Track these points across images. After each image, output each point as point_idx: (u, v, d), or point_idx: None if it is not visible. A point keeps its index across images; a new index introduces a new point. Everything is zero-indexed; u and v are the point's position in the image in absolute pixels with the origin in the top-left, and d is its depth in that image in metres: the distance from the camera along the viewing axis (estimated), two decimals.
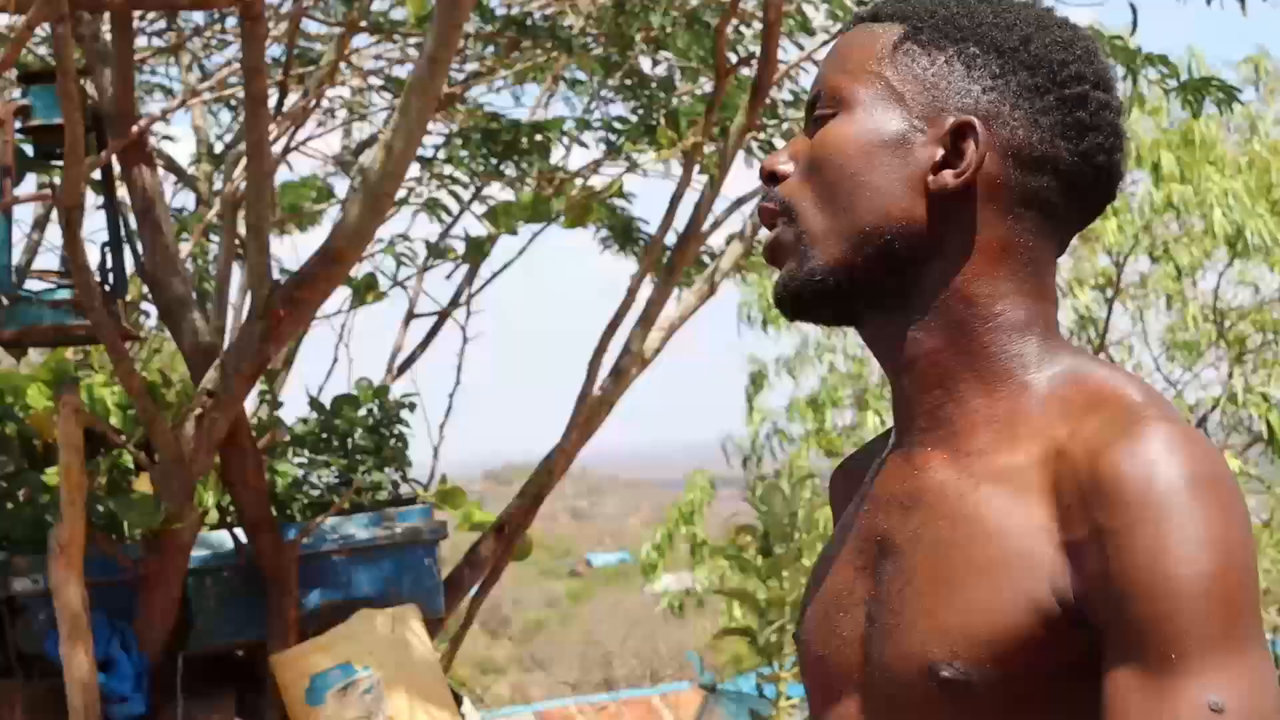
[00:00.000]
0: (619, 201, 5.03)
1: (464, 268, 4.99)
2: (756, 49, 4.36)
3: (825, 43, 4.82)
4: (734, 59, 4.54)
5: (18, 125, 3.95)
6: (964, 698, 1.53)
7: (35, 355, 4.59)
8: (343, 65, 4.44)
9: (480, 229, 4.92)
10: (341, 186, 5.32)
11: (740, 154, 4.58)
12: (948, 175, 1.60)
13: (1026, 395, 1.63)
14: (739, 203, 4.92)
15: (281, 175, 4.42)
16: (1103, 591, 1.51)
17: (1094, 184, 1.64)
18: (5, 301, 3.93)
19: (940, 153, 1.60)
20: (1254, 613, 1.51)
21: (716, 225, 4.72)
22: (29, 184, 4.32)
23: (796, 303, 1.68)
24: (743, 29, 4.57)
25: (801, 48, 4.76)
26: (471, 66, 4.84)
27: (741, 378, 14.06)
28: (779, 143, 5.09)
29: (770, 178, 1.69)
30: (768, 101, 4.44)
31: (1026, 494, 1.58)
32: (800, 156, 1.69)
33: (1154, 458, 1.51)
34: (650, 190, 5.05)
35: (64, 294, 3.96)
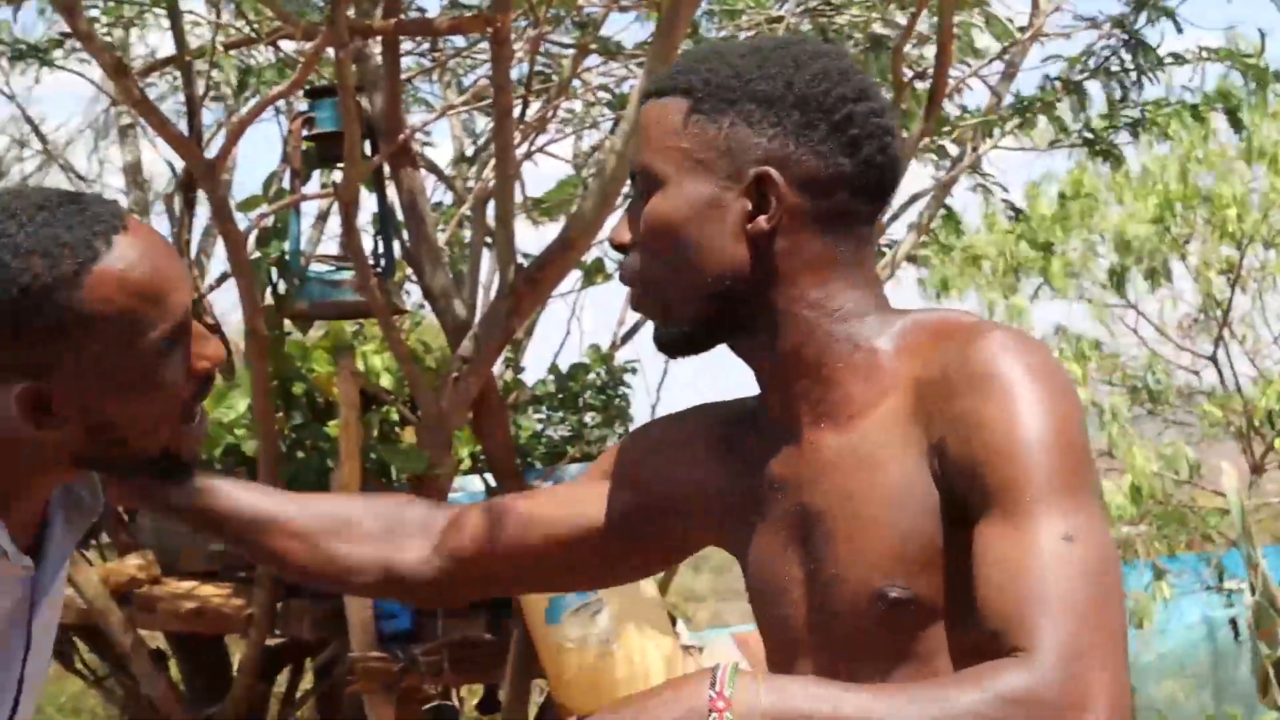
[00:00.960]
0: None
1: None
2: (928, 67, 4.35)
3: (990, 60, 4.81)
4: (908, 74, 4.52)
5: (304, 134, 4.06)
6: (913, 615, 1.58)
7: (318, 327, 4.69)
8: (575, 82, 4.48)
9: None
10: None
11: (914, 156, 4.57)
12: (761, 221, 1.63)
13: (878, 355, 1.67)
14: (914, 198, 4.90)
15: (527, 174, 4.47)
16: (965, 466, 1.57)
17: (880, 180, 1.66)
18: (296, 281, 4.04)
19: (748, 204, 1.63)
20: (1090, 468, 1.57)
21: (895, 218, 4.71)
22: (313, 183, 4.41)
23: (673, 349, 1.74)
24: (917, 49, 4.54)
25: (969, 65, 4.74)
26: None
27: None
28: (951, 147, 5.08)
29: (618, 247, 1.71)
30: (940, 112, 4.41)
31: (904, 427, 1.64)
32: (634, 225, 1.72)
33: (995, 351, 1.58)
34: None
35: (343, 275, 4.04)
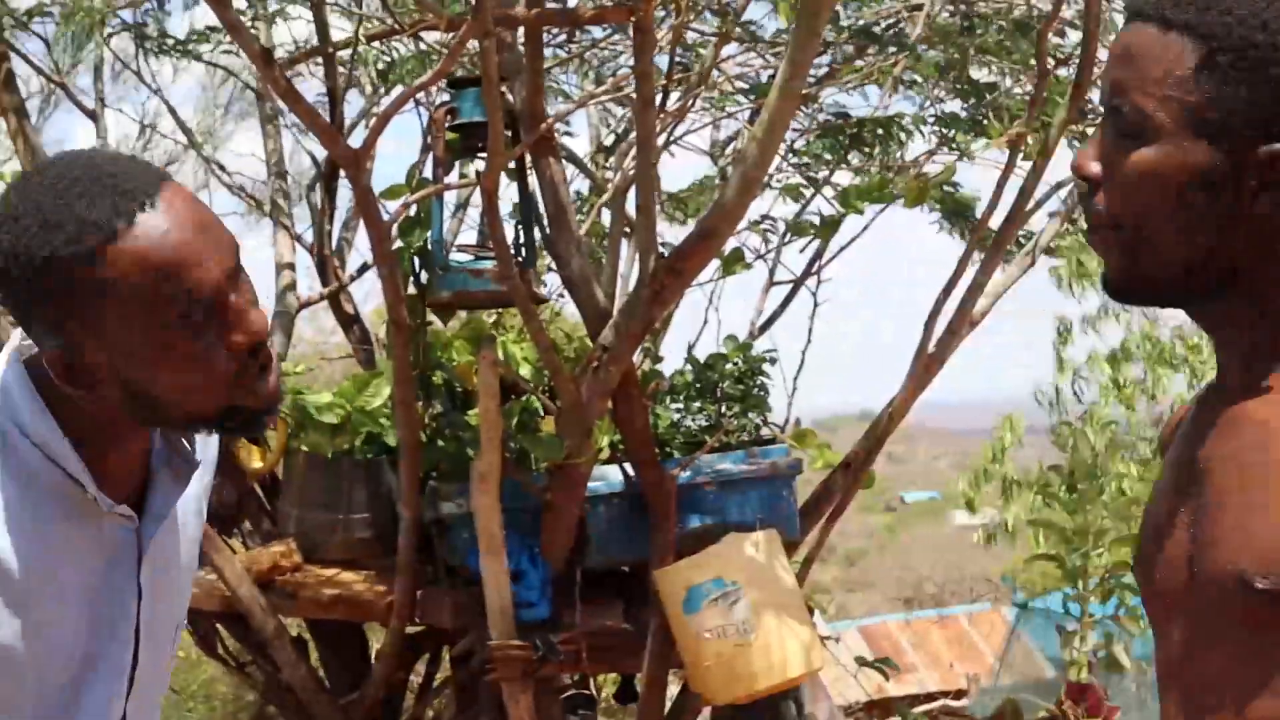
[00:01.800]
0: (950, 186, 5.02)
1: (816, 242, 5.00)
2: (1074, 53, 4.30)
3: None
4: (1052, 62, 4.47)
5: (447, 124, 4.09)
6: (1273, 610, 1.44)
7: (457, 317, 4.71)
8: (714, 71, 4.47)
9: (831, 209, 4.92)
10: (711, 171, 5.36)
11: (1062, 144, 4.52)
12: (1265, 203, 1.52)
13: None
14: (1058, 187, 4.86)
15: (663, 165, 4.47)
16: None
17: None
18: (439, 271, 4.07)
19: (1254, 183, 1.52)
20: None
21: (1038, 206, 4.66)
22: (452, 174, 4.43)
23: (1125, 296, 1.66)
24: (1063, 36, 4.49)
25: None
26: (823, 70, 4.84)
27: (1041, 341, 13.72)
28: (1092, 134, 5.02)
29: (1085, 178, 1.62)
30: (1085, 100, 4.36)
31: None
32: (1110, 163, 1.60)
33: None
34: (976, 176, 5.00)
35: (485, 264, 4.07)
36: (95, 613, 2.09)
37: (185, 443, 2.17)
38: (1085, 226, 1.70)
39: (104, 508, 2.05)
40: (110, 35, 4.73)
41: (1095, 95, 4.77)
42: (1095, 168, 1.61)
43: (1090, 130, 4.93)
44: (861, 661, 4.97)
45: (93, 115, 5.12)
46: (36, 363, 2.04)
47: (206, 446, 2.31)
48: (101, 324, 1.92)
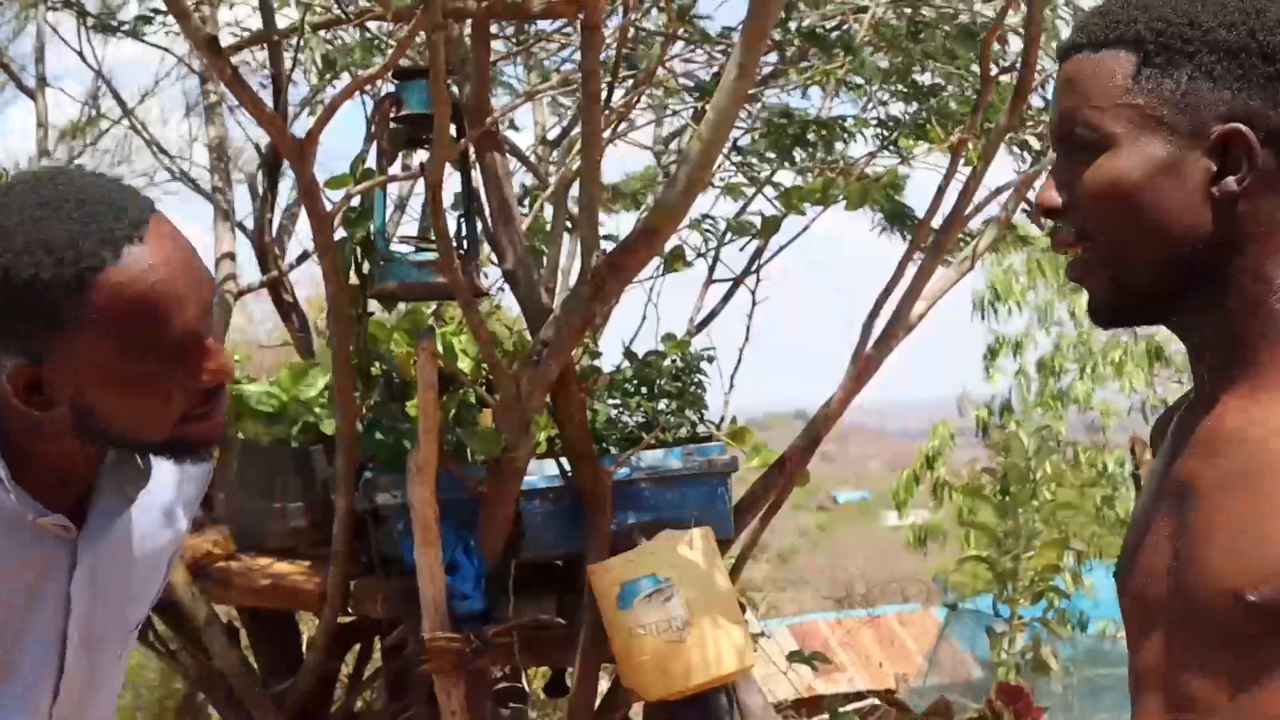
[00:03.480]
0: (891, 189, 5.04)
1: (755, 242, 5.02)
2: (1015, 61, 4.34)
3: None
4: (995, 69, 4.50)
5: (392, 115, 4.09)
6: (1268, 622, 1.47)
7: (399, 308, 4.71)
8: (660, 69, 4.49)
9: (772, 209, 4.94)
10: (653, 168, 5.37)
11: (1002, 149, 4.55)
12: (1230, 182, 1.55)
13: None
14: (997, 191, 4.89)
15: (605, 159, 4.48)
16: None
17: None
18: (381, 262, 4.07)
19: (1212, 165, 1.56)
20: None
21: (977, 210, 4.69)
22: (395, 165, 4.43)
23: (1112, 319, 1.69)
24: (1005, 44, 4.53)
25: (1055, 60, 4.72)
26: (768, 69, 4.86)
27: (971, 344, 13.86)
28: (1032, 141, 5.07)
29: (1049, 212, 1.66)
30: (1025, 106, 4.39)
31: None
32: (1069, 187, 1.65)
33: None
34: (917, 180, 5.03)
35: (426, 256, 4.07)
36: (18, 620, 2.08)
37: (138, 457, 2.15)
38: (1065, 268, 1.73)
39: (31, 518, 2.03)
40: (52, 8, 4.70)
41: (1035, 100, 4.83)
42: (1057, 197, 1.66)
43: (1029, 138, 4.99)
44: (792, 657, 4.99)
45: (31, 94, 5.09)
46: None
47: (185, 474, 2.31)
48: (74, 351, 1.91)
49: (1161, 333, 13.29)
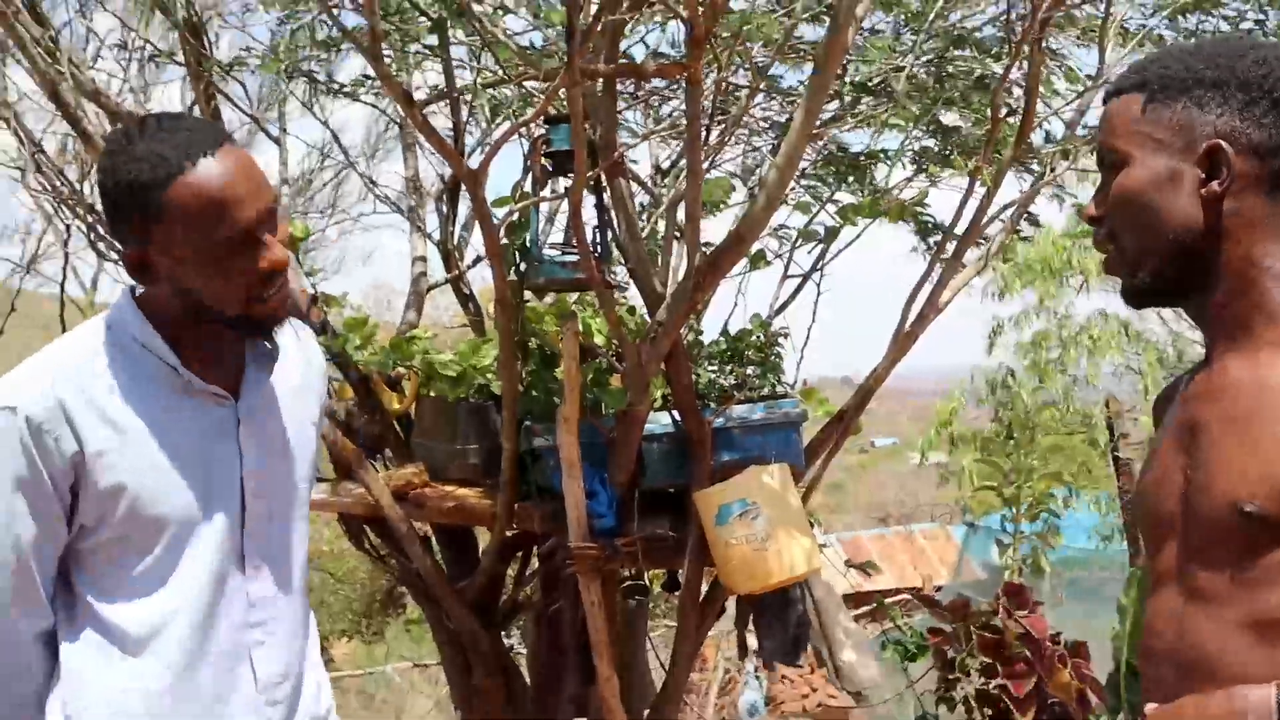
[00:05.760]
0: (921, 207, 4.98)
1: (819, 247, 4.98)
2: (1019, 105, 4.27)
3: (1068, 103, 4.71)
4: (1003, 111, 4.44)
5: (543, 151, 4.08)
6: (1261, 529, 1.49)
7: (549, 297, 4.70)
8: (745, 115, 4.45)
9: (831, 221, 4.90)
10: (740, 191, 5.32)
11: (1009, 174, 4.49)
12: (1214, 186, 1.58)
13: None
14: (1005, 208, 4.81)
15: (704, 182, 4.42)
16: None
17: None
18: (535, 263, 4.07)
19: (1200, 173, 1.58)
20: None
21: (990, 221, 4.63)
22: (546, 189, 4.42)
23: (1138, 300, 1.71)
24: (1010, 93, 4.45)
25: (1049, 106, 4.64)
26: (829, 115, 4.81)
27: (975, 325, 13.68)
28: (1034, 166, 4.99)
29: (1091, 220, 1.70)
30: (1027, 141, 4.33)
31: None
32: (1105, 201, 1.68)
33: None
34: (944, 198, 4.96)
35: (570, 258, 4.07)
36: (204, 468, 2.14)
37: (266, 344, 2.24)
38: (1102, 261, 1.74)
39: (196, 386, 2.13)
40: (291, 80, 4.73)
41: (1035, 138, 4.73)
42: (1095, 208, 1.70)
43: (1031, 165, 4.91)
44: (849, 564, 4.96)
45: (278, 142, 5.13)
46: (140, 297, 2.17)
47: (310, 368, 2.36)
48: (165, 236, 2.03)
49: (1129, 314, 13.10)
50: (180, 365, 2.13)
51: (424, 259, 5.09)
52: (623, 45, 4.01)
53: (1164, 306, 1.78)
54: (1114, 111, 1.67)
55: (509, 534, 4.41)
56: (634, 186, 4.18)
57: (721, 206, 4.99)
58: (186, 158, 2.00)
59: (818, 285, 4.97)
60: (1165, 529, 1.63)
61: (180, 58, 4.64)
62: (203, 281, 2.06)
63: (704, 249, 3.82)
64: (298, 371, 2.33)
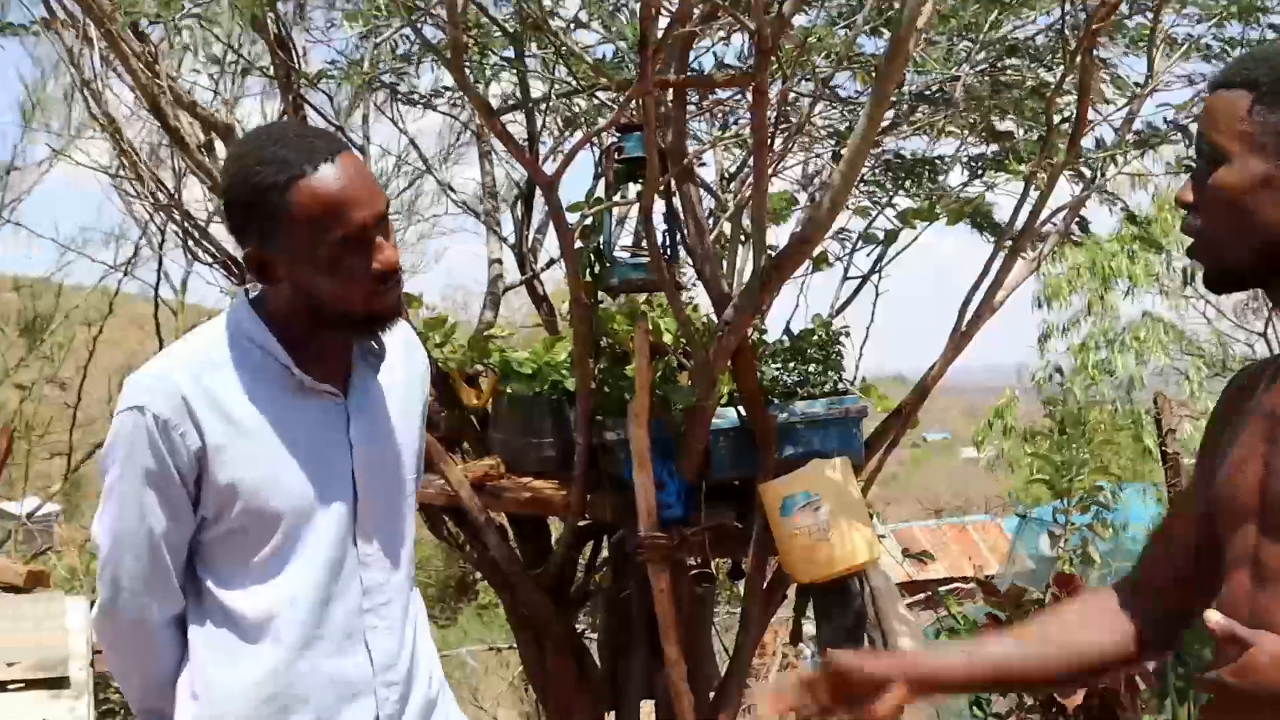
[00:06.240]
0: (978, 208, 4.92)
1: (879, 249, 4.93)
2: (1072, 113, 4.21)
3: (1118, 110, 4.63)
4: (1056, 118, 4.38)
5: (615, 158, 4.06)
6: None
7: (621, 298, 4.67)
8: (808, 123, 4.40)
9: (890, 224, 4.86)
10: (800, 198, 5.27)
11: (1062, 178, 4.43)
12: None
13: None
14: (1058, 210, 4.74)
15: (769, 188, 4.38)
16: None
17: None
18: (608, 265, 4.06)
19: None
20: None
21: (1045, 222, 4.57)
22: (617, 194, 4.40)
23: (1220, 288, 1.70)
24: (1064, 99, 4.37)
25: (1100, 113, 4.56)
26: (888, 122, 4.74)
27: (1024, 327, 13.56)
28: (1085, 171, 4.90)
29: (1182, 205, 1.67)
30: (1079, 146, 4.27)
31: None
32: (1197, 189, 1.65)
33: None
34: (1000, 201, 4.88)
35: (641, 260, 4.06)
36: (317, 462, 2.15)
37: (374, 345, 2.24)
38: (1187, 245, 1.73)
39: (308, 384, 2.14)
40: (374, 90, 4.74)
41: (1086, 143, 4.65)
42: (1189, 194, 1.66)
43: (1082, 170, 4.81)
44: (906, 553, 4.91)
45: (361, 149, 5.13)
46: (255, 301, 2.18)
47: (411, 362, 2.35)
48: (286, 237, 2.04)
49: (1174, 316, 12.92)
50: (294, 365, 2.14)
51: (500, 261, 5.08)
52: (690, 57, 3.98)
53: (1243, 291, 1.77)
54: (1219, 106, 1.62)
55: (581, 523, 4.39)
56: (702, 192, 4.14)
57: (785, 217, 4.95)
58: (308, 162, 2.01)
59: (876, 286, 4.92)
60: (1242, 514, 1.62)
61: (270, 70, 4.66)
62: (319, 279, 2.07)
63: (769, 251, 3.79)
64: (402, 370, 2.34)
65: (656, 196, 3.85)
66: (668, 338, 4.22)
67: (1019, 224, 4.48)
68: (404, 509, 2.31)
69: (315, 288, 2.08)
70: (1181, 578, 1.81)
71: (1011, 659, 1.85)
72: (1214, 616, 1.52)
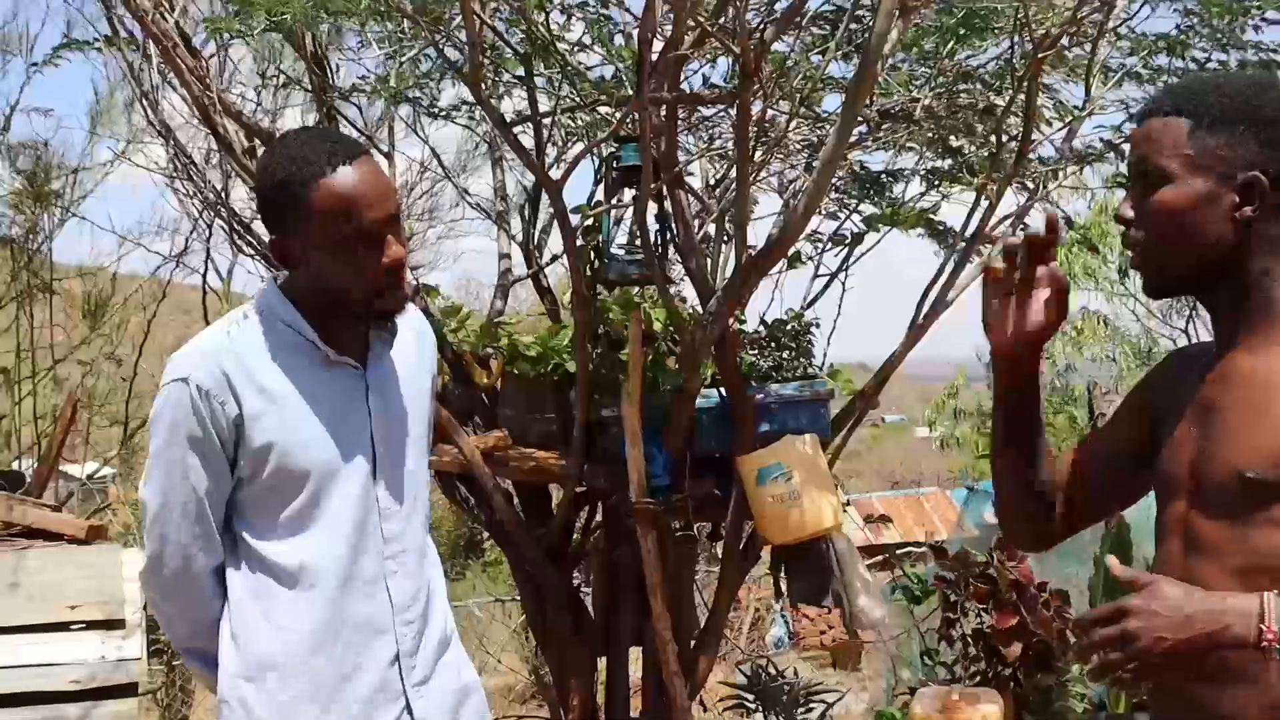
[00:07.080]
0: (931, 216, 4.95)
1: (846, 249, 4.96)
2: (1018, 132, 4.25)
3: (1057, 130, 4.67)
4: (1005, 137, 4.42)
5: (613, 165, 4.08)
6: (1260, 493, 1.53)
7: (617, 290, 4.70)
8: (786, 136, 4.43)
9: (856, 228, 4.89)
10: (775, 202, 5.29)
11: (1009, 189, 4.47)
12: (1247, 210, 1.59)
13: None
14: (1005, 217, 4.77)
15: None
16: None
17: None
18: (606, 261, 4.08)
19: (1236, 198, 1.59)
20: None
21: (994, 227, 4.60)
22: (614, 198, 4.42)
23: (1159, 295, 1.71)
24: (1011, 119, 4.41)
25: (1043, 132, 4.59)
26: (854, 138, 4.77)
27: (974, 319, 13.50)
28: (1029, 184, 4.94)
29: (1122, 221, 1.68)
30: (1025, 161, 4.31)
31: None
32: (1136, 206, 1.67)
33: None
34: (953, 210, 4.91)
35: (636, 256, 4.08)
36: (340, 426, 2.18)
37: (386, 329, 2.26)
38: (1129, 255, 1.74)
39: (332, 357, 2.17)
40: (399, 104, 4.76)
41: (1034, 157, 4.68)
42: (1129, 212, 1.67)
43: (1026, 183, 4.85)
44: (867, 519, 4.95)
45: (388, 156, 5.15)
46: (283, 285, 2.20)
47: (423, 344, 2.38)
48: (303, 225, 2.06)
49: (1108, 311, 12.94)
50: (319, 340, 2.17)
51: (509, 256, 5.10)
52: (681, 77, 4.00)
53: (1178, 297, 1.81)
54: (1157, 131, 1.64)
55: (578, 490, 4.41)
56: (690, 197, 4.17)
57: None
58: (328, 163, 2.04)
59: (843, 283, 4.96)
60: (1176, 488, 1.66)
61: (307, 84, 4.68)
62: (332, 269, 2.09)
63: (749, 250, 3.82)
64: (413, 347, 2.37)
65: (650, 200, 3.87)
66: (658, 326, 4.25)
67: (970, 230, 4.51)
68: (418, 469, 2.35)
69: (327, 276, 2.11)
70: (1077, 483, 1.84)
71: (1036, 423, 1.85)
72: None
